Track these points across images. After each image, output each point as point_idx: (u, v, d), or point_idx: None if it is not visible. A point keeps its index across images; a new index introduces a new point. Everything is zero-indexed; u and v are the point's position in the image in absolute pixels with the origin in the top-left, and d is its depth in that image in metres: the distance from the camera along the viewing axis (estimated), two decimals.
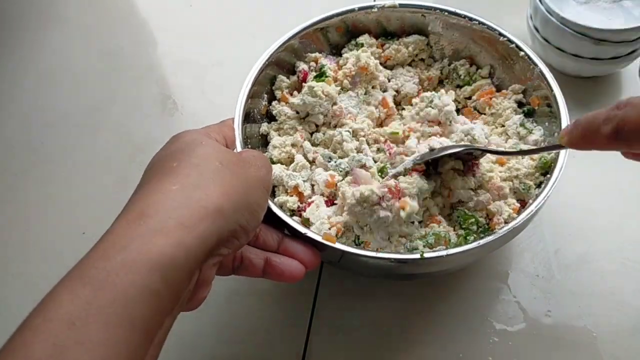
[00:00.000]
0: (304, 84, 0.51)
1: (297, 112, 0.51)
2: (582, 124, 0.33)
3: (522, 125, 0.49)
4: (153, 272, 0.27)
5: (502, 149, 0.47)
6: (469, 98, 0.54)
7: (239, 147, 0.44)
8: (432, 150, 0.45)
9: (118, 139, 0.63)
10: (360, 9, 0.53)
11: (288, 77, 0.53)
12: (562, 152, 0.43)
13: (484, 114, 0.52)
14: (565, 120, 0.45)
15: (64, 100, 0.67)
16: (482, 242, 0.39)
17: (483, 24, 0.51)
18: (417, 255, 0.38)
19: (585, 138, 0.32)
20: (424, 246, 0.42)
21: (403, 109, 0.53)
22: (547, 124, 0.48)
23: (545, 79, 0.47)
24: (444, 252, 0.38)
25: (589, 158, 0.56)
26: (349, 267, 0.47)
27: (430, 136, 0.48)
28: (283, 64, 0.53)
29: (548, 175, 0.43)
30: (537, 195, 0.41)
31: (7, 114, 0.66)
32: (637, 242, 0.51)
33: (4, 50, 0.72)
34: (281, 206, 0.45)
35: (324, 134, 0.50)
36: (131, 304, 0.26)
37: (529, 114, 0.50)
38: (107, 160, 0.61)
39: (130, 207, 0.31)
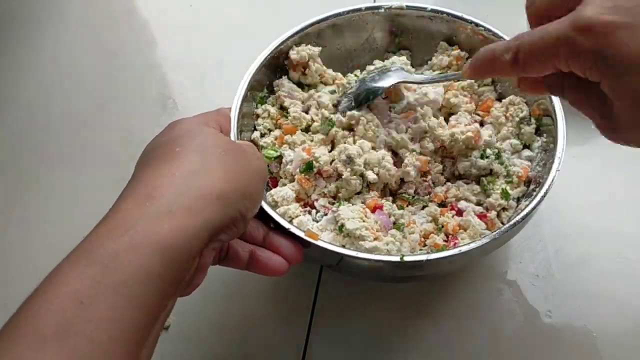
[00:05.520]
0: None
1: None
2: (482, 55, 0.36)
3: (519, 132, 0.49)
4: (159, 255, 0.28)
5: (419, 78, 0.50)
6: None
7: (232, 137, 0.44)
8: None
9: (118, 139, 0.63)
10: (367, 9, 0.53)
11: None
12: (554, 167, 0.43)
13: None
14: (562, 135, 0.44)
15: (64, 99, 0.67)
16: (475, 244, 0.39)
17: (489, 30, 0.50)
18: (420, 257, 0.39)
19: (487, 66, 0.35)
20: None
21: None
22: (544, 135, 0.48)
23: None
24: (424, 257, 0.39)
25: (589, 158, 0.56)
26: (348, 271, 0.47)
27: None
28: (285, 58, 0.53)
29: (532, 186, 0.43)
30: (526, 206, 0.41)
31: (8, 114, 0.66)
32: (637, 242, 0.51)
33: (4, 49, 0.72)
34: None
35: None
36: (137, 285, 0.27)
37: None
38: (107, 160, 0.61)
39: (135, 188, 0.32)
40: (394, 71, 0.50)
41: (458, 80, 0.51)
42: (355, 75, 0.54)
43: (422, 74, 0.53)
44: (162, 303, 0.28)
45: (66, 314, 0.25)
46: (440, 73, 0.52)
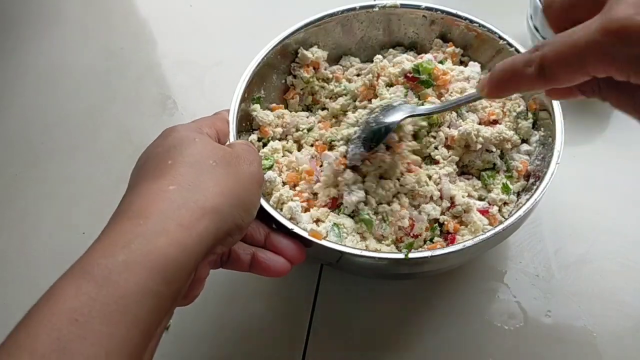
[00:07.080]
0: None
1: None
2: (500, 71, 0.33)
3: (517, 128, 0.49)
4: (154, 273, 0.28)
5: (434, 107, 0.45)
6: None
7: (232, 139, 0.44)
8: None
9: (118, 139, 0.63)
10: (362, 7, 0.53)
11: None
12: (554, 160, 0.43)
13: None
14: (560, 128, 0.44)
15: (64, 100, 0.67)
16: (476, 240, 0.39)
17: (483, 26, 0.51)
18: (425, 254, 0.39)
19: (508, 81, 0.33)
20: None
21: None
22: (542, 129, 0.48)
23: None
24: (428, 253, 0.38)
25: (589, 158, 0.56)
26: (348, 268, 0.47)
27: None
28: (281, 59, 0.53)
29: (532, 180, 0.42)
30: (527, 200, 0.41)
31: (7, 114, 0.66)
32: (637, 242, 0.51)
33: (4, 50, 0.72)
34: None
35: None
36: (133, 303, 0.27)
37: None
38: (107, 160, 0.61)
39: (129, 205, 0.32)
40: (398, 106, 0.46)
41: (475, 101, 0.44)
42: (352, 123, 0.48)
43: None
44: (159, 319, 0.28)
45: (62, 331, 0.25)
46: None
